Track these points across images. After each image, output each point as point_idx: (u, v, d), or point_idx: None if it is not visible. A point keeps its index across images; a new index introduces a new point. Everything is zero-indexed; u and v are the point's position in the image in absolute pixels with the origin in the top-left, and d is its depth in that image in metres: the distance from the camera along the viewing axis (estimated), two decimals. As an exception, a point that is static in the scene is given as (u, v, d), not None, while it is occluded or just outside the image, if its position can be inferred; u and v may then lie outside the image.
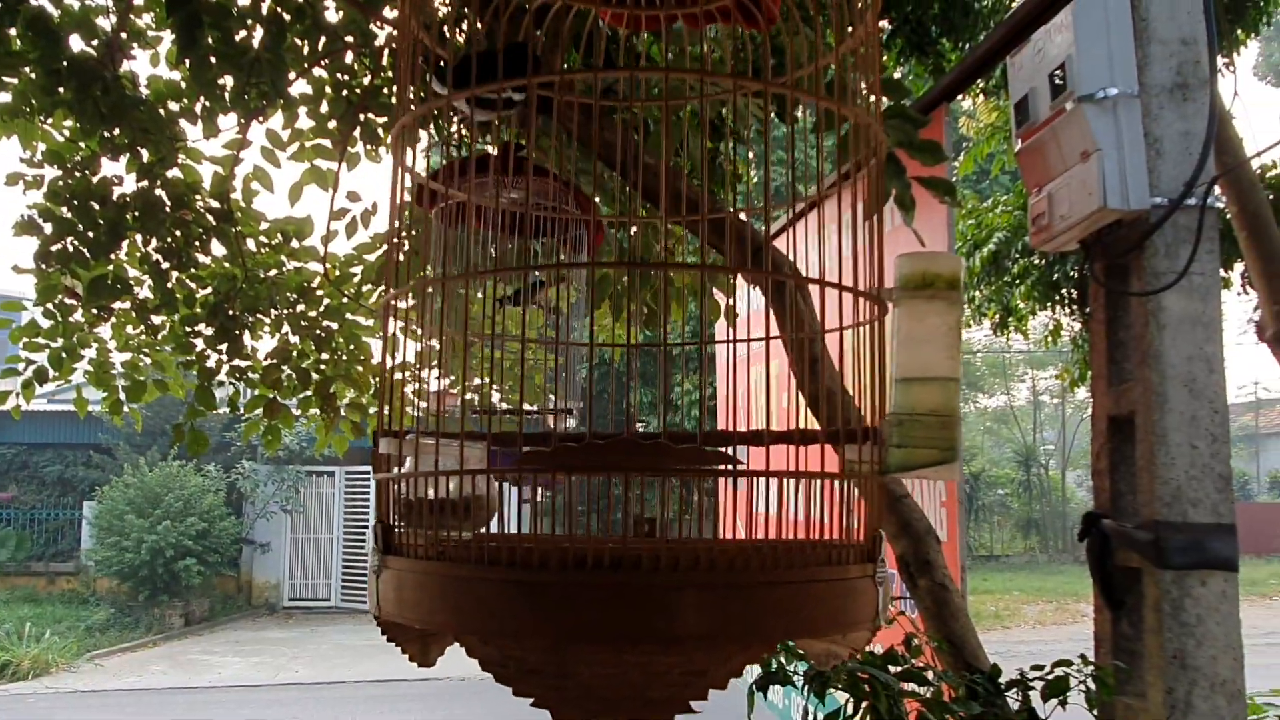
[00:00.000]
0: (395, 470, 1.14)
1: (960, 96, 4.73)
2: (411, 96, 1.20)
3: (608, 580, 0.96)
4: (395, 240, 1.20)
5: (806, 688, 1.79)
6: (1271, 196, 4.69)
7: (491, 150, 1.74)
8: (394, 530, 1.11)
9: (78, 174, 3.36)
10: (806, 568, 1.02)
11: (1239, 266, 4.72)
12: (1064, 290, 5.52)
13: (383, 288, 1.19)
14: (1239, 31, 4.98)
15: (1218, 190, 2.78)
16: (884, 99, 2.06)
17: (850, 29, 1.17)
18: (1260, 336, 3.92)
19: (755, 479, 1.04)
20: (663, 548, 0.97)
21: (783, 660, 1.85)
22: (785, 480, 1.03)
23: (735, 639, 1.03)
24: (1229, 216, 3.95)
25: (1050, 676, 2.00)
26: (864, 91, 1.22)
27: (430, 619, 1.03)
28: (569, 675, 1.02)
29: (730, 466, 1.02)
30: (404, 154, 1.20)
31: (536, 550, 0.98)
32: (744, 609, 0.98)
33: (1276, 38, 27.02)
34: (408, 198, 1.26)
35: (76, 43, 2.92)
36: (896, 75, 4.57)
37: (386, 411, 1.20)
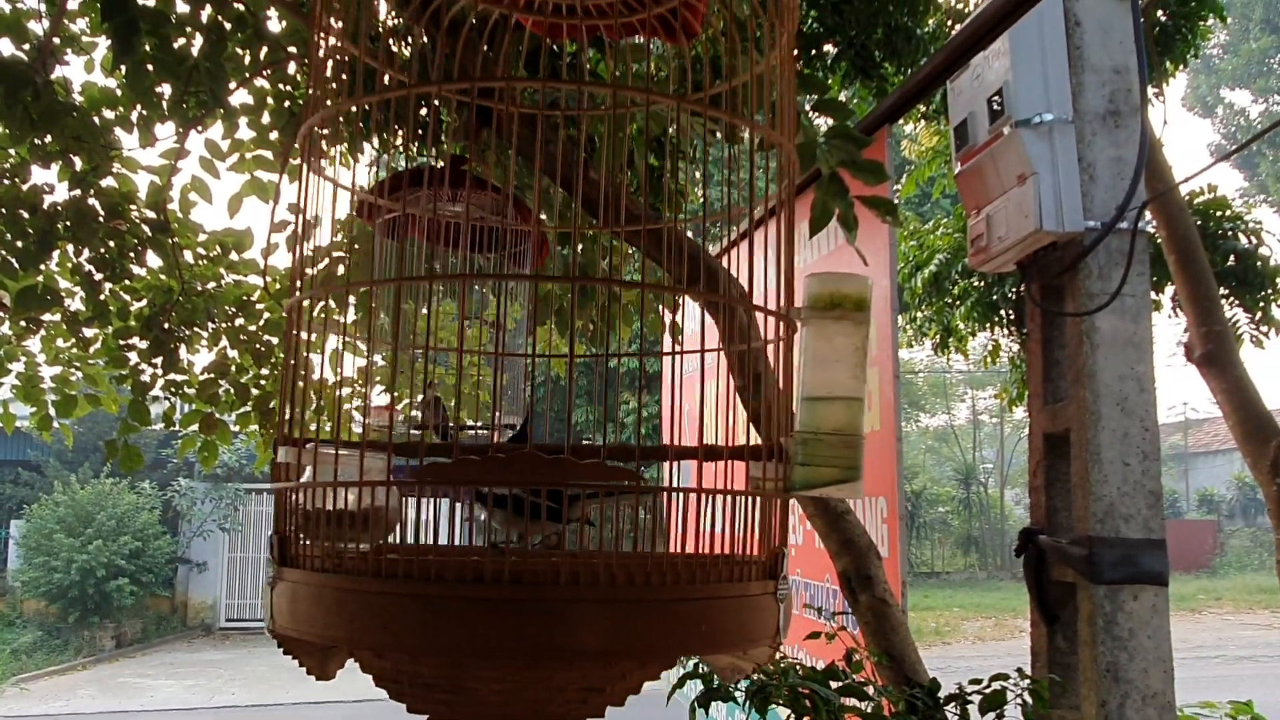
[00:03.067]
0: (294, 479, 1.11)
1: (902, 120, 4.81)
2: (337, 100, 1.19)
3: (506, 594, 0.94)
4: (314, 243, 1.18)
5: (748, 703, 1.79)
6: (1199, 222, 4.85)
7: (437, 163, 1.73)
8: (290, 541, 1.08)
9: (6, 181, 3.26)
10: (707, 584, 1.02)
11: (1170, 289, 4.86)
12: (1002, 311, 5.62)
13: (297, 297, 1.16)
14: (1168, 63, 5.14)
15: (1148, 215, 2.86)
16: (828, 119, 2.09)
17: (770, 46, 1.18)
18: (1189, 358, 4.04)
19: (667, 495, 1.04)
20: (563, 561, 0.96)
21: (717, 681, 1.84)
22: (692, 496, 1.03)
23: (634, 656, 1.02)
24: (1159, 241, 4.07)
25: (988, 690, 2.03)
26: (777, 108, 1.23)
27: (324, 633, 1.01)
28: (465, 691, 1.00)
29: (644, 484, 1.02)
30: (312, 157, 1.19)
31: (434, 563, 0.97)
32: (644, 626, 0.98)
33: (1204, 71, 28.02)
34: (332, 200, 1.24)
35: (6, 46, 2.85)
36: (841, 97, 4.63)
37: (289, 418, 1.16)
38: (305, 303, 1.15)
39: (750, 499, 1.08)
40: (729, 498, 1.06)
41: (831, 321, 1.10)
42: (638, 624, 0.97)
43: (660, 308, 3.30)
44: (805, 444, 1.08)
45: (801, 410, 1.09)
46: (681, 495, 1.08)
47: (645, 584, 0.98)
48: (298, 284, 1.17)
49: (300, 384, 1.14)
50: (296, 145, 1.21)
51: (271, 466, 1.11)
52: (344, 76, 1.16)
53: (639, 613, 0.97)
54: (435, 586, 0.95)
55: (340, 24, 1.15)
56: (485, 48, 1.71)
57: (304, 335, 1.14)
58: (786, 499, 1.11)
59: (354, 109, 1.18)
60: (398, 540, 1.18)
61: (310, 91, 1.18)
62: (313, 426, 1.13)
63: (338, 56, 1.16)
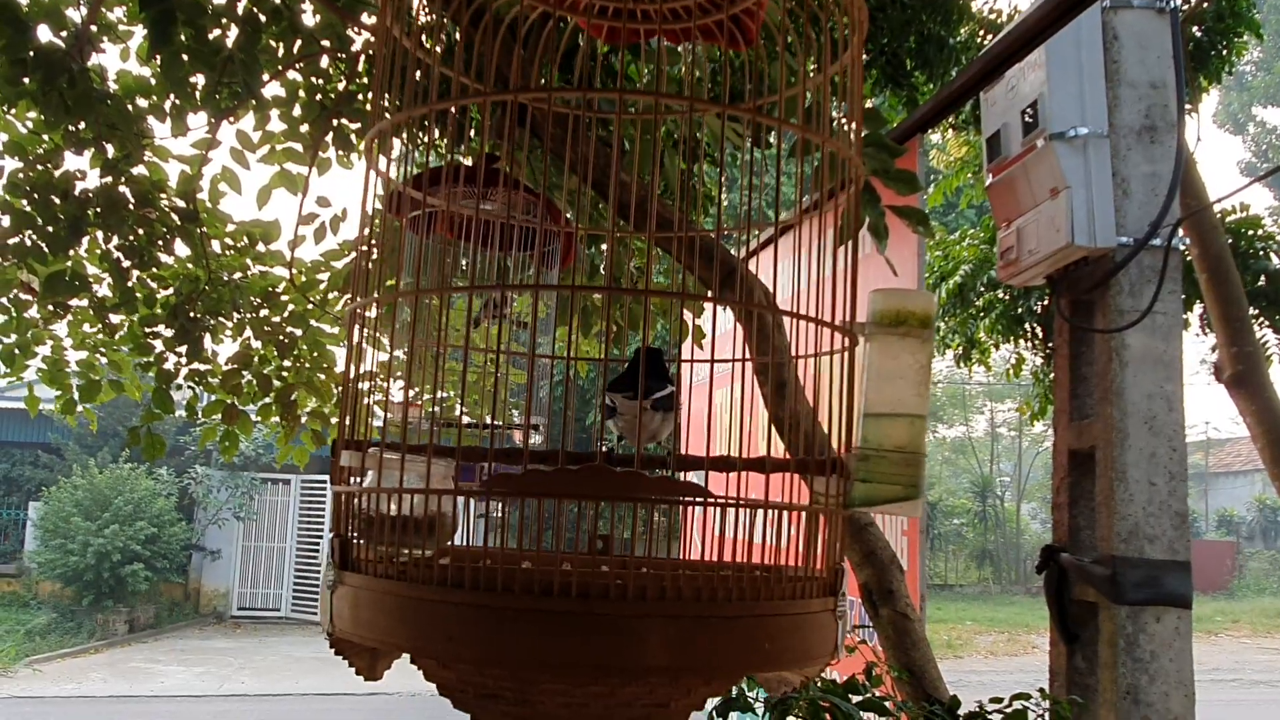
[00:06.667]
0: (356, 483, 1.10)
1: (931, 130, 4.78)
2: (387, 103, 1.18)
3: (574, 608, 0.93)
4: (364, 247, 1.17)
5: (768, 715, 1.78)
6: (1230, 240, 4.79)
7: (467, 161, 1.72)
8: (352, 545, 1.07)
9: (39, 167, 3.29)
10: (771, 601, 1.00)
11: (1198, 308, 4.81)
12: (1027, 325, 5.58)
13: (349, 295, 1.14)
14: (1202, 79, 5.08)
15: (1181, 232, 2.82)
16: (862, 128, 2.07)
17: (833, 56, 1.17)
18: (1218, 378, 3.99)
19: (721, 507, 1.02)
20: (629, 576, 0.94)
21: (744, 687, 1.83)
22: (752, 509, 1.01)
23: (699, 672, 1.01)
24: (1190, 258, 4.03)
25: (1009, 709, 2.00)
26: (842, 120, 1.22)
27: (386, 639, 1.00)
28: (530, 704, 0.99)
29: (701, 497, 1.00)
30: (378, 160, 1.17)
31: (501, 574, 0.95)
32: (709, 642, 0.97)
33: (1236, 87, 27.75)
34: (379, 205, 1.23)
35: (45, 33, 2.87)
36: (869, 105, 4.60)
37: (349, 422, 1.15)
38: (366, 307, 1.14)
39: (811, 514, 1.06)
40: (786, 511, 1.04)
41: (896, 338, 1.08)
42: (702, 640, 0.96)
43: (683, 311, 3.29)
44: (867, 460, 1.07)
45: (864, 426, 1.08)
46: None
47: (710, 600, 0.97)
48: (358, 289, 1.16)
49: (362, 384, 1.14)
50: (363, 148, 1.20)
51: (332, 469, 1.11)
52: (404, 81, 1.15)
53: (704, 629, 0.96)
54: (502, 598, 0.95)
55: (399, 28, 1.14)
56: (522, 49, 1.70)
57: (361, 339, 1.13)
58: (847, 515, 1.09)
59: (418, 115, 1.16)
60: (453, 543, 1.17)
61: (374, 98, 1.18)
62: (374, 422, 1.12)
63: (391, 58, 1.15)
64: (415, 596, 0.98)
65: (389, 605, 0.99)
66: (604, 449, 1.17)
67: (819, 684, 1.80)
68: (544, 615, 0.93)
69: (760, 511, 1.01)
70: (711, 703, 1.90)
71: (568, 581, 0.94)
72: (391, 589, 1.00)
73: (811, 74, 1.22)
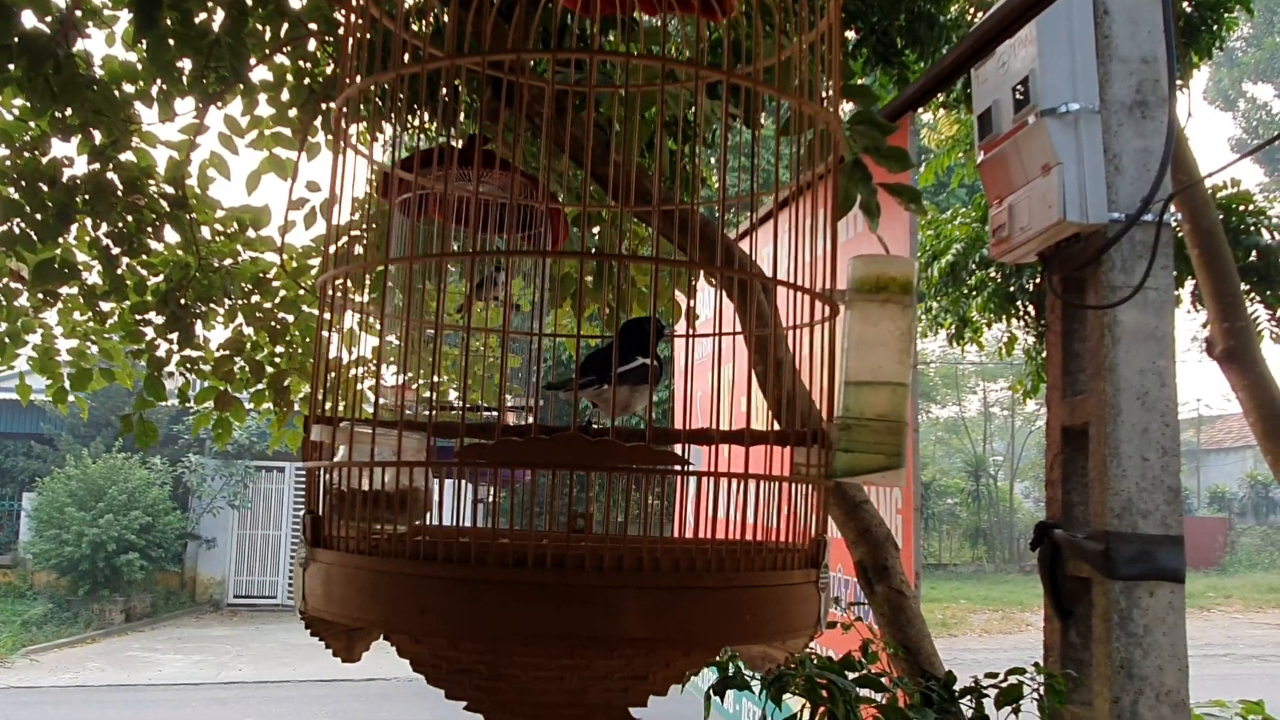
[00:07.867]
0: (328, 459, 1.09)
1: (921, 108, 4.77)
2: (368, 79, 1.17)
3: (548, 579, 0.92)
4: (338, 220, 1.16)
5: (763, 693, 1.78)
6: (1222, 216, 4.80)
7: (455, 143, 1.71)
8: (323, 522, 1.06)
9: (26, 154, 3.27)
10: (751, 572, 0.99)
11: (1189, 284, 4.82)
12: (1019, 303, 5.59)
13: (331, 273, 1.13)
14: (1193, 55, 5.08)
15: (1173, 208, 2.82)
16: (851, 104, 2.06)
17: (811, 24, 1.16)
18: (1210, 353, 4.00)
19: (702, 479, 1.02)
20: (605, 547, 0.94)
21: (741, 665, 1.84)
22: (731, 481, 1.01)
23: (677, 643, 1.00)
24: (1182, 234, 4.03)
25: (1004, 684, 2.01)
26: (825, 90, 1.21)
27: (359, 615, 0.99)
28: (504, 678, 0.98)
29: (679, 466, 0.99)
30: (347, 128, 1.17)
31: (474, 546, 0.94)
32: (687, 613, 0.96)
33: (1226, 64, 27.75)
34: (353, 176, 1.22)
35: (29, 19, 2.84)
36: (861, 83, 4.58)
37: (321, 397, 1.14)
38: (338, 280, 1.13)
39: (791, 485, 1.05)
40: (767, 483, 1.03)
41: (876, 305, 1.07)
42: (680, 612, 0.95)
43: (675, 292, 3.28)
44: (849, 429, 1.06)
45: (845, 395, 1.07)
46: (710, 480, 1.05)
47: (689, 570, 0.96)
48: (329, 259, 1.15)
49: (333, 359, 1.13)
50: (317, 123, 1.19)
51: (304, 445, 1.10)
52: (375, 51, 1.14)
53: (681, 600, 0.94)
54: (475, 570, 0.93)
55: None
56: (505, 24, 1.69)
57: (336, 312, 1.12)
58: (830, 486, 1.08)
59: (385, 84, 1.15)
60: (428, 521, 1.16)
61: (343, 67, 1.17)
62: (338, 405, 1.11)
63: (364, 35, 1.14)
64: (387, 570, 0.96)
65: (361, 580, 0.98)
66: (585, 422, 1.17)
67: (815, 660, 1.80)
68: (518, 587, 0.92)
69: (740, 483, 1.00)
70: (707, 682, 1.91)
71: (542, 553, 0.93)
72: (363, 564, 0.98)
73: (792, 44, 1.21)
